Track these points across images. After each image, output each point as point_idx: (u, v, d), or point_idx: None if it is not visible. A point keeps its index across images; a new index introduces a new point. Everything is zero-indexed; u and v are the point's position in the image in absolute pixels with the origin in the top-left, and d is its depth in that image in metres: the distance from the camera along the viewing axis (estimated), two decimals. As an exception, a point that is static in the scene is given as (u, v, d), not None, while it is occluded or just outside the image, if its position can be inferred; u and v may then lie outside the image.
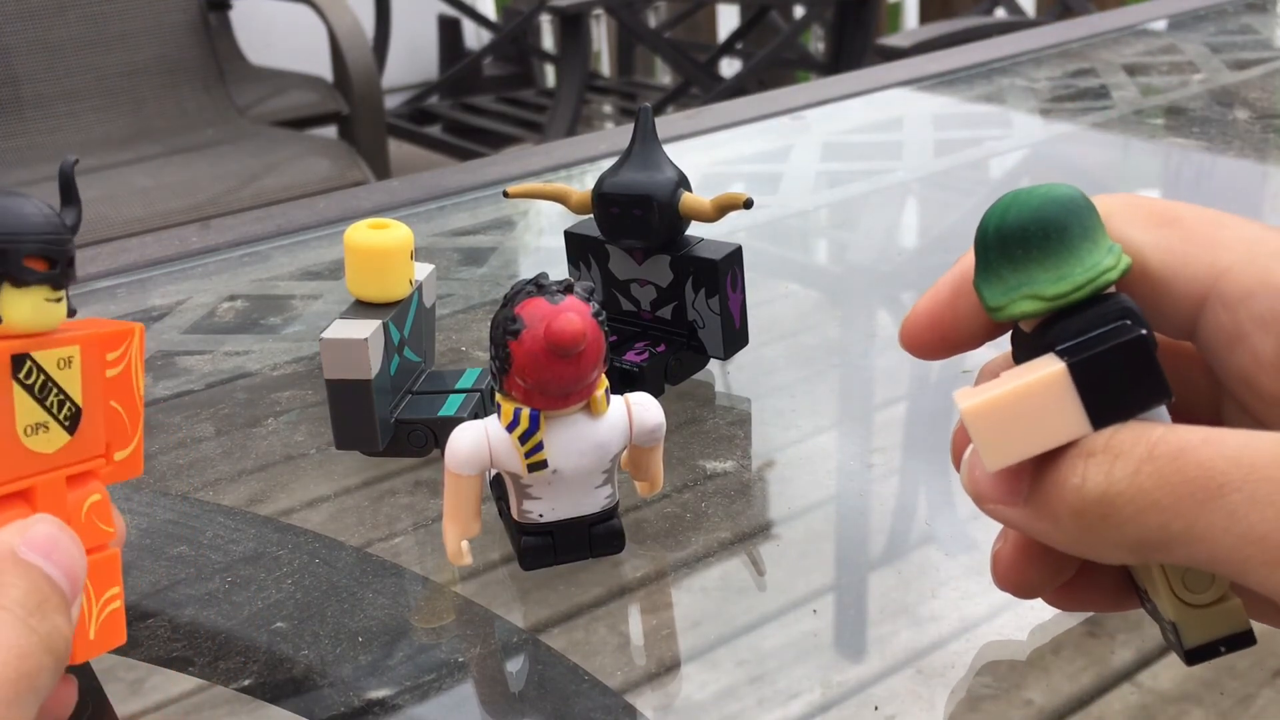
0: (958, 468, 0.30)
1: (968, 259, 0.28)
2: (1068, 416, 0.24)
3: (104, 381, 0.29)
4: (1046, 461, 0.25)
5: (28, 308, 0.27)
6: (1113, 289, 0.25)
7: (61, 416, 0.28)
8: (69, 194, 0.30)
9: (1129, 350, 0.24)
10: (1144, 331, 0.24)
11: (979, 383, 0.27)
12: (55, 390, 0.28)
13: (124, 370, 0.30)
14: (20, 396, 0.27)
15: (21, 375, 0.27)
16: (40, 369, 0.27)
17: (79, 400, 0.29)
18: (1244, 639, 0.26)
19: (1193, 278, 0.26)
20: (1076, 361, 0.24)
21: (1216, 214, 0.27)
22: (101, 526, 0.30)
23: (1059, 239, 0.25)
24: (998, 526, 0.28)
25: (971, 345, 0.29)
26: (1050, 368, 0.24)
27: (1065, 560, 0.28)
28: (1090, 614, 0.36)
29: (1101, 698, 0.33)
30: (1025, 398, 0.24)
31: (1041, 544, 0.28)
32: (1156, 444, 0.23)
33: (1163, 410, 0.25)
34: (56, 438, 0.28)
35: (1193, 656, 0.26)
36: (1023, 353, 0.27)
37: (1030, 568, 0.28)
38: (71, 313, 0.29)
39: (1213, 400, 0.28)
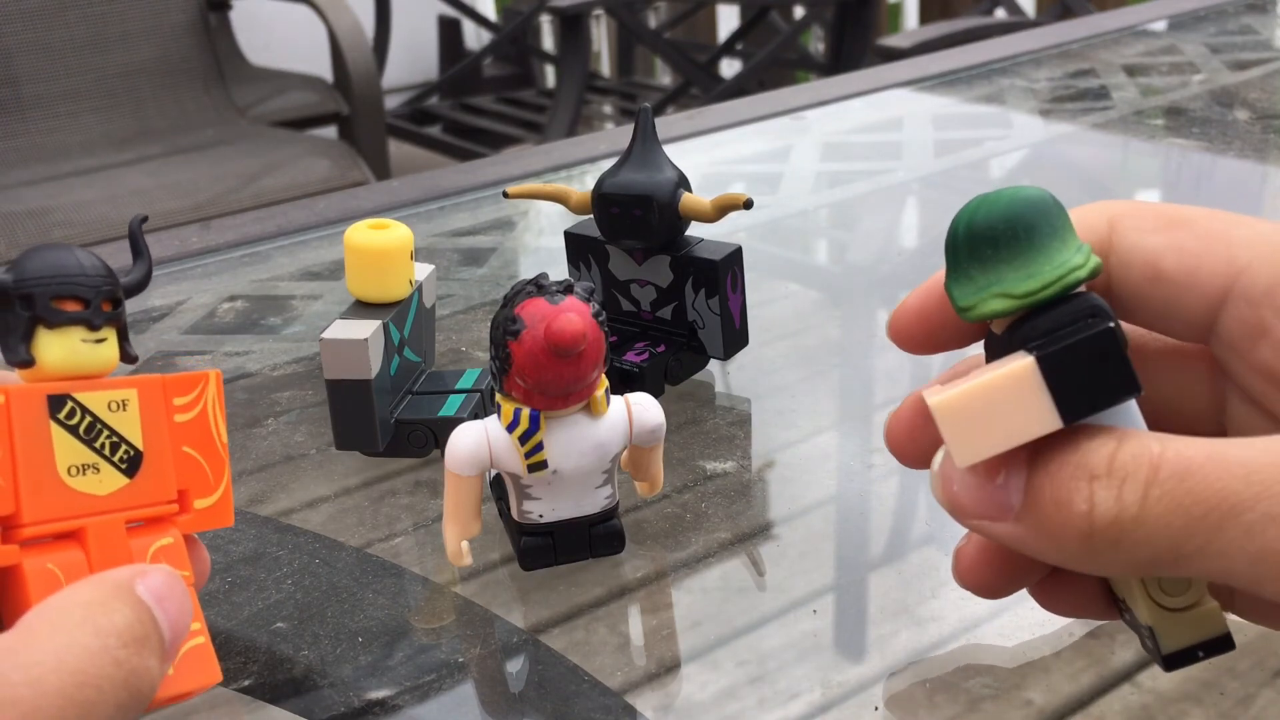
0: (895, 454, 0.30)
1: None
2: (1037, 410, 0.24)
3: (171, 426, 0.29)
4: (1040, 479, 0.24)
5: (62, 349, 0.27)
6: (1082, 288, 0.25)
7: (116, 459, 0.28)
8: (137, 248, 0.30)
9: (1097, 343, 0.24)
10: (1112, 324, 0.24)
11: (946, 382, 0.27)
12: (106, 433, 0.28)
13: (198, 416, 0.30)
14: (61, 437, 0.27)
15: (62, 415, 0.27)
16: (85, 410, 0.27)
17: (138, 444, 0.28)
18: (1222, 643, 0.26)
19: (1211, 276, 0.26)
20: (1045, 355, 0.24)
21: (1227, 214, 0.27)
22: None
23: (1027, 238, 0.25)
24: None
25: (958, 344, 0.29)
26: (1018, 361, 0.24)
27: (1031, 566, 0.28)
28: (1090, 614, 0.36)
29: (1102, 698, 0.33)
30: (994, 391, 0.24)
31: (1005, 548, 0.28)
32: (1160, 464, 0.23)
33: (1133, 406, 0.25)
34: (110, 480, 0.28)
35: (1170, 662, 0.26)
36: (995, 353, 0.27)
37: (992, 570, 0.29)
38: (132, 360, 0.29)
39: (1215, 403, 0.28)
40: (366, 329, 0.43)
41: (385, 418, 0.44)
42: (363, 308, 0.45)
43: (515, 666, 0.37)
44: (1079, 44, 1.05)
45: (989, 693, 0.34)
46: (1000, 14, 2.52)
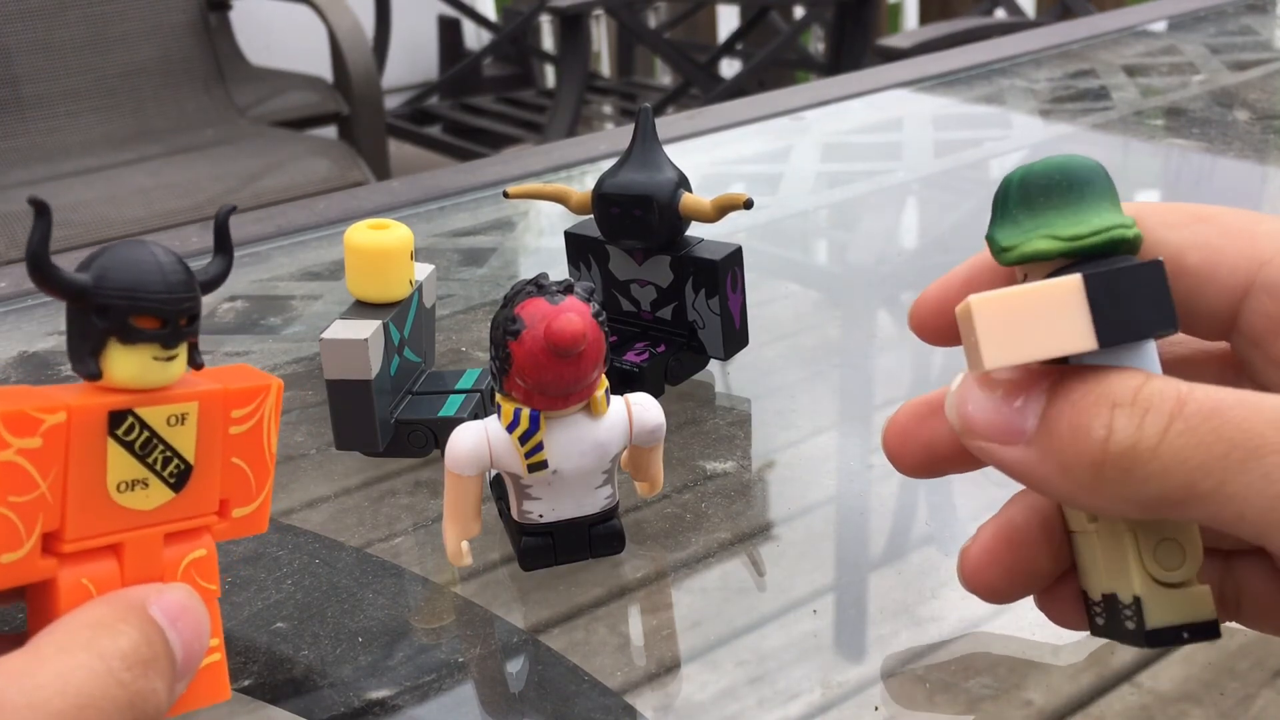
0: (892, 457, 0.29)
1: (983, 253, 0.28)
2: (1075, 326, 0.24)
3: (225, 439, 0.28)
4: (1060, 403, 0.24)
5: (134, 366, 0.26)
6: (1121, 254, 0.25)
7: (166, 474, 0.27)
8: (222, 242, 0.29)
9: (1145, 273, 0.24)
10: (1161, 258, 0.24)
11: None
12: (161, 447, 0.27)
13: (253, 428, 0.29)
14: (116, 453, 0.26)
15: (120, 431, 0.26)
16: (145, 425, 0.26)
17: (190, 458, 0.27)
18: (1208, 629, 0.26)
19: (1234, 269, 0.26)
20: (1093, 273, 0.24)
21: (1251, 212, 0.27)
22: (202, 583, 0.28)
23: (1079, 192, 0.25)
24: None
25: None
26: (1066, 276, 0.24)
27: (1038, 570, 0.28)
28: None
29: (1102, 698, 0.33)
30: (1036, 299, 0.24)
31: (1014, 549, 0.28)
32: (1187, 400, 0.23)
33: (1155, 356, 0.25)
34: (157, 495, 0.27)
35: (1153, 638, 0.26)
36: None
37: (998, 571, 0.28)
38: (198, 366, 0.27)
39: None
40: (366, 329, 0.43)
41: (385, 418, 0.44)
42: (363, 308, 0.45)
43: (515, 666, 0.37)
44: (1079, 44, 1.05)
45: (989, 693, 0.34)
46: (1000, 14, 2.52)
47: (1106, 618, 0.27)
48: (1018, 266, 0.26)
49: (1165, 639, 0.26)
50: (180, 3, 1.86)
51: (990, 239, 0.27)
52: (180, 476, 0.27)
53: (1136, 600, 0.26)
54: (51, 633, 0.24)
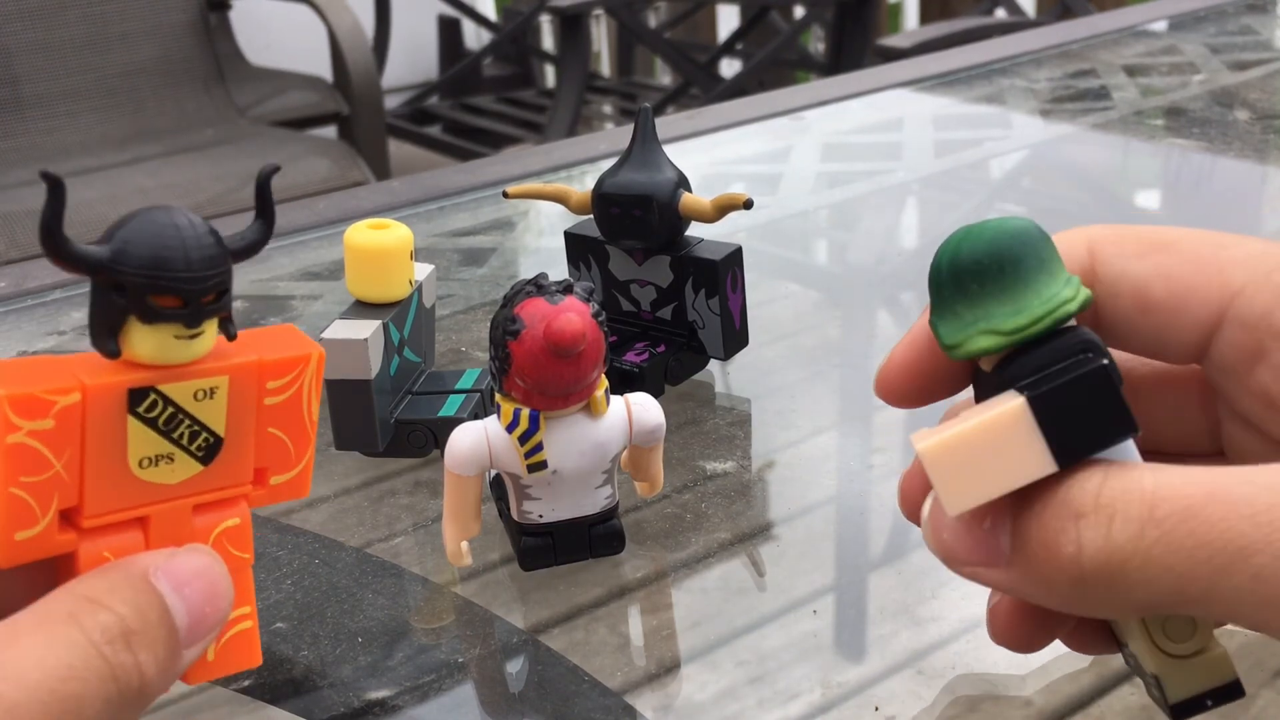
0: (908, 515, 0.29)
1: None
2: (1030, 453, 0.23)
3: (260, 410, 0.27)
4: (1026, 521, 0.23)
5: (154, 345, 0.25)
6: (1073, 322, 0.24)
7: (194, 448, 0.26)
8: (264, 205, 0.27)
9: (1091, 381, 0.23)
10: (1105, 361, 0.23)
11: (943, 423, 0.26)
12: (187, 422, 0.26)
13: (291, 398, 0.27)
14: (138, 430, 0.25)
15: (142, 409, 0.25)
16: (169, 401, 0.25)
17: (220, 431, 0.26)
18: (1231, 691, 0.25)
19: (1204, 301, 0.25)
20: (1036, 395, 0.23)
21: (1211, 234, 0.26)
22: (234, 552, 0.28)
23: (1014, 272, 0.24)
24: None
25: (949, 393, 0.28)
26: (1009, 403, 0.23)
27: (1063, 616, 0.27)
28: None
29: (1102, 698, 0.33)
30: (984, 435, 0.23)
31: (1036, 611, 0.27)
32: (1156, 503, 0.22)
33: (1130, 445, 0.24)
34: (184, 468, 0.26)
35: (1178, 711, 0.25)
36: (984, 392, 0.26)
37: (1028, 624, 0.28)
38: (231, 336, 0.26)
39: (1209, 425, 0.28)
40: (366, 329, 0.43)
41: (385, 418, 0.44)
42: (363, 308, 0.45)
43: (515, 667, 0.36)
44: (1079, 44, 1.05)
45: (989, 693, 0.34)
46: (1000, 14, 2.52)
47: (1135, 667, 0.27)
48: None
49: (1190, 710, 0.25)
50: (180, 2, 1.86)
51: (934, 330, 0.26)
52: (210, 450, 0.26)
53: (1155, 677, 0.25)
54: (36, 606, 0.24)
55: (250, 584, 0.28)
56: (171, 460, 0.26)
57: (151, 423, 0.25)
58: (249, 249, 0.26)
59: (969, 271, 0.25)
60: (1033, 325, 0.24)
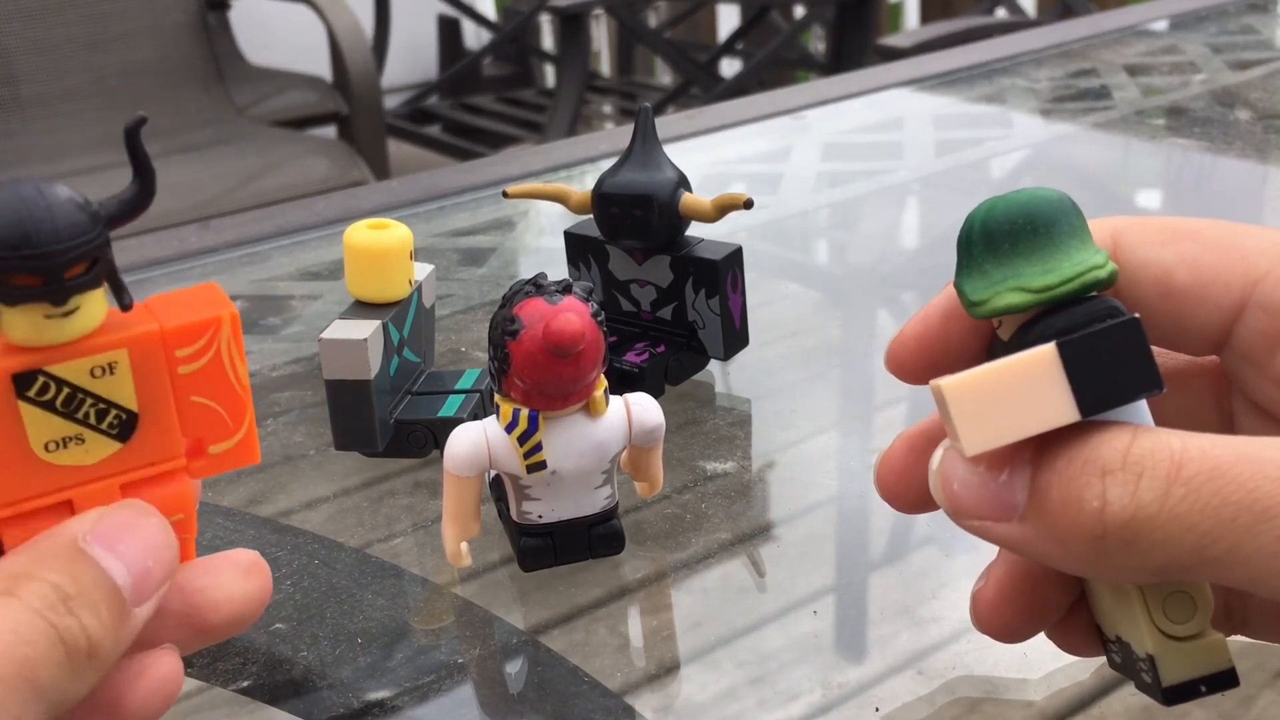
0: (885, 495, 0.28)
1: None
2: (1054, 400, 0.23)
3: (175, 379, 0.26)
4: (1046, 475, 0.23)
5: (25, 326, 0.24)
6: (1097, 294, 0.24)
7: (105, 426, 0.26)
8: (137, 160, 0.25)
9: (1122, 333, 0.23)
10: (1138, 315, 0.23)
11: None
12: (90, 401, 0.25)
13: (209, 363, 0.26)
14: (33, 414, 0.25)
15: (33, 393, 0.24)
16: (62, 382, 0.25)
17: (131, 406, 0.26)
18: (1226, 679, 0.25)
19: (1227, 287, 0.25)
20: (1067, 341, 0.23)
21: (1232, 224, 0.26)
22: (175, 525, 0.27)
23: (1046, 234, 0.24)
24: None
25: (963, 367, 0.28)
26: (1039, 347, 0.23)
27: (1051, 604, 0.27)
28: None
29: (1102, 698, 0.33)
30: (1010, 376, 0.23)
31: (1026, 587, 0.27)
32: (1183, 462, 0.22)
33: (1145, 408, 0.24)
34: (98, 448, 0.26)
35: (1170, 695, 0.25)
36: None
37: (1012, 612, 0.27)
38: (125, 307, 0.25)
39: (1222, 422, 0.28)
40: (366, 329, 0.43)
41: (385, 418, 0.44)
42: (362, 308, 0.45)
43: (515, 667, 0.36)
44: (1080, 44, 1.05)
45: (989, 693, 0.34)
46: (1001, 14, 2.52)
47: (1122, 659, 0.27)
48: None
49: (1182, 695, 0.25)
50: (179, 2, 1.85)
51: (959, 290, 0.25)
52: (124, 426, 0.26)
53: (1150, 657, 0.25)
54: None
55: (192, 549, 0.28)
56: (82, 441, 0.25)
57: (48, 405, 0.25)
58: (127, 212, 0.25)
59: (1002, 230, 0.25)
60: (1063, 285, 0.24)
